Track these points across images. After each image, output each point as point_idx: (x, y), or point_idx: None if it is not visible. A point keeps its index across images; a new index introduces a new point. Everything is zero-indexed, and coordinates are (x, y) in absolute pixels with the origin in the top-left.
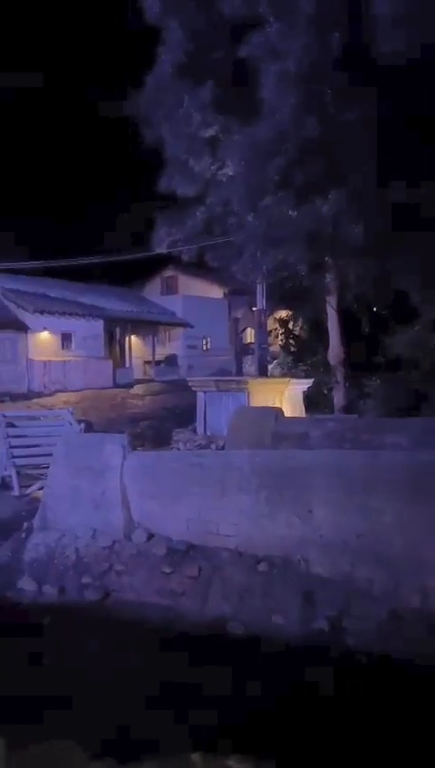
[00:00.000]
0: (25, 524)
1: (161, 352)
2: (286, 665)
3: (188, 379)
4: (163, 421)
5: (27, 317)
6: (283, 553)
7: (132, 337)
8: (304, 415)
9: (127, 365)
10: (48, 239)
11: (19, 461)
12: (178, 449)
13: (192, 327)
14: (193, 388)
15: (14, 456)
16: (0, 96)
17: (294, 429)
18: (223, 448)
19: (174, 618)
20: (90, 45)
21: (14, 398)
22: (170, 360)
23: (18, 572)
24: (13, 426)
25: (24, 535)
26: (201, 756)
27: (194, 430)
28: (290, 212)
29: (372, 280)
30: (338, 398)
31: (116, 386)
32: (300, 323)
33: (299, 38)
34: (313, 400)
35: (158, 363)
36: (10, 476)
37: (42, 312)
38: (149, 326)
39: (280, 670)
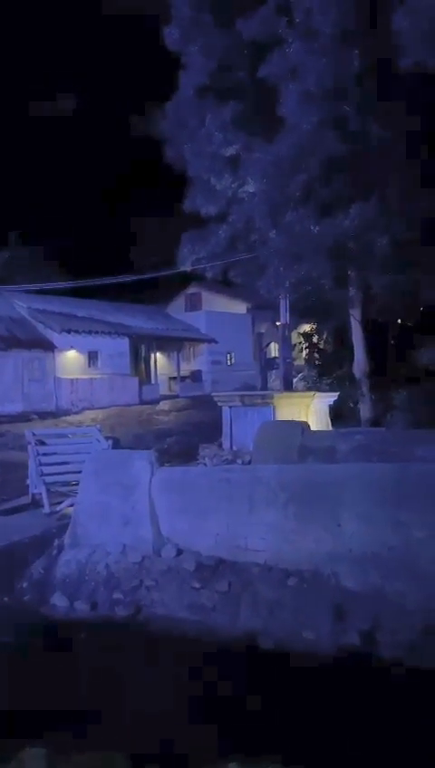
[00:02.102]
0: (56, 541)
1: (186, 368)
2: (319, 679)
3: (213, 394)
4: (189, 436)
5: (54, 336)
6: (313, 568)
7: (157, 354)
8: (330, 428)
9: (152, 381)
10: (75, 258)
11: (49, 478)
12: (205, 464)
13: (216, 342)
14: (218, 403)
15: (43, 474)
16: (33, 114)
17: (321, 443)
18: (249, 463)
19: (205, 632)
20: (116, 67)
21: (43, 416)
22: (195, 376)
23: (51, 588)
24: (42, 443)
25: (55, 552)
26: (239, 765)
27: (220, 445)
28: (312, 227)
29: (398, 292)
30: (364, 410)
31: (142, 402)
32: (324, 337)
33: (319, 57)
34: (339, 414)
35: (183, 379)
36: (40, 494)
37: (68, 332)
38: (173, 342)
39: (312, 684)
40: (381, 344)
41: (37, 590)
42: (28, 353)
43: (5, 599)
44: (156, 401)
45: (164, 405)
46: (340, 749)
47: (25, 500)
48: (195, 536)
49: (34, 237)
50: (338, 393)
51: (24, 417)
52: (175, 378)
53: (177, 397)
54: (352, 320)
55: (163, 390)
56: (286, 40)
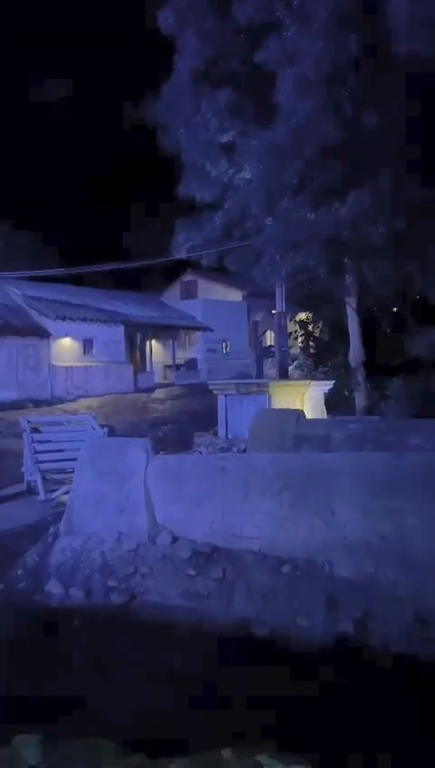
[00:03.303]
0: (51, 529)
1: (181, 356)
2: (312, 666)
3: (208, 382)
4: (184, 425)
5: (49, 324)
6: (306, 556)
7: (153, 342)
8: (325, 417)
9: (148, 369)
10: (69, 245)
11: (44, 466)
12: (200, 453)
13: (212, 331)
14: (214, 392)
15: (39, 461)
16: (28, 100)
17: (316, 431)
18: (245, 451)
19: (199, 619)
20: (109, 52)
21: (38, 403)
22: (190, 364)
23: (45, 576)
24: (37, 431)
25: (50, 539)
26: (232, 752)
27: (215, 433)
28: (308, 215)
29: (393, 281)
30: (359, 399)
31: (137, 390)
32: (320, 325)
33: (315, 41)
34: (333, 402)
35: (178, 367)
36: (36, 481)
37: (63, 319)
38: (168, 331)
39: (305, 671)
40: (376, 333)
41: (32, 578)
42: (23, 341)
43: (0, 586)
44: (151, 389)
45: (159, 393)
46: (333, 735)
47: (20, 487)
48: (190, 524)
49: (30, 224)
50: (333, 382)
51: (18, 405)
52: (170, 366)
53: (172, 385)
54: (347, 308)
55: (158, 379)
56: (283, 24)
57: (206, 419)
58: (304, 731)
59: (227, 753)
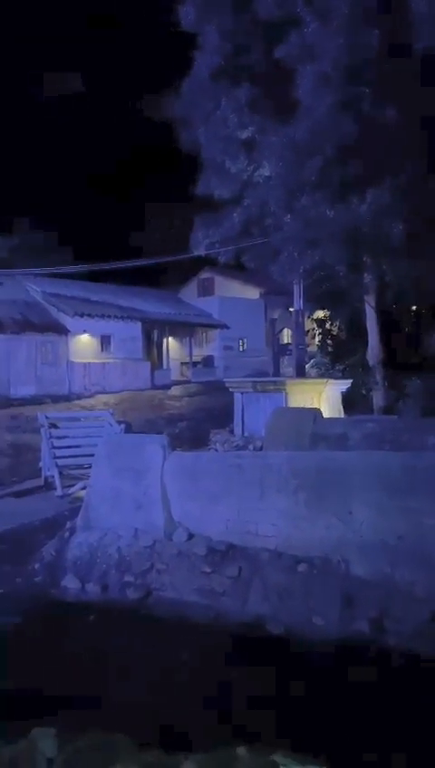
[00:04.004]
0: (68, 524)
1: (198, 354)
2: (327, 664)
3: (225, 379)
4: (200, 422)
5: (68, 320)
6: (322, 554)
7: (169, 339)
8: (342, 416)
9: (164, 367)
10: (86, 243)
11: (61, 461)
12: (216, 450)
13: (228, 328)
14: (230, 389)
15: (56, 457)
16: (43, 96)
17: (333, 430)
18: (261, 449)
19: (215, 616)
20: (129, 49)
21: (56, 399)
22: (207, 362)
23: (62, 570)
24: (55, 427)
25: (67, 534)
26: (247, 750)
27: (231, 431)
28: (327, 212)
29: (412, 279)
30: (377, 398)
31: (154, 387)
32: (338, 323)
33: (336, 37)
34: (351, 401)
35: (195, 364)
36: (53, 476)
37: (82, 315)
38: (185, 328)
39: (321, 670)
40: (394, 331)
41: (49, 572)
42: (41, 337)
43: (17, 580)
44: (168, 386)
45: (176, 390)
46: (347, 734)
47: (38, 482)
48: (206, 521)
49: (46, 223)
50: (351, 380)
51: (36, 401)
52: (187, 363)
53: (188, 382)
54: (366, 306)
55: (175, 376)
56: (303, 20)
57: (222, 417)
58: (319, 730)
59: (242, 751)
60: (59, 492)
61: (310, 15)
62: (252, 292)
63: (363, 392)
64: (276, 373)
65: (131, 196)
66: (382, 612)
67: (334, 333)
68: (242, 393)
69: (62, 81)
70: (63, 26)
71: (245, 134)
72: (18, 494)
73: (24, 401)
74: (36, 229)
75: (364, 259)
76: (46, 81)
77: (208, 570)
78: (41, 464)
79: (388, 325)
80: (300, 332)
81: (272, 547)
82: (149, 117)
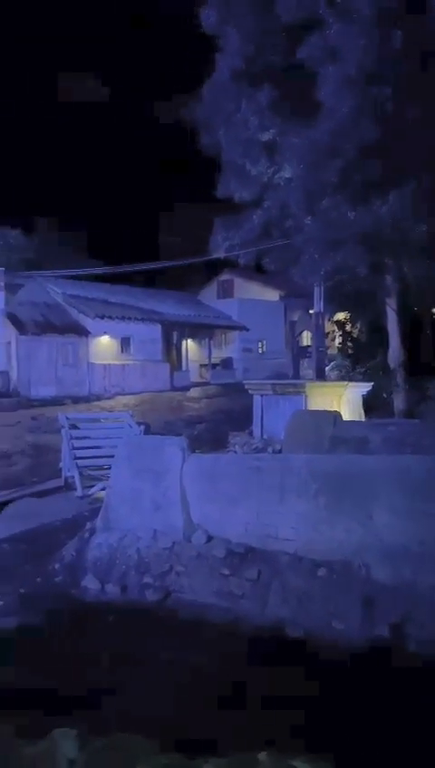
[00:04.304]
0: (88, 524)
1: (217, 355)
2: (347, 669)
3: (244, 381)
4: (219, 424)
5: (88, 322)
6: (343, 559)
7: (189, 340)
8: (363, 419)
9: (183, 368)
10: (106, 245)
11: (82, 462)
12: (235, 452)
13: (248, 330)
14: (250, 391)
15: (77, 458)
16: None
17: (354, 433)
18: (280, 452)
19: (234, 619)
20: (149, 54)
21: (76, 400)
22: (226, 364)
23: (82, 571)
24: (75, 428)
25: (87, 535)
26: (268, 756)
27: (250, 433)
28: (349, 213)
29: (434, 281)
30: (398, 401)
31: (173, 389)
32: (358, 326)
33: (359, 38)
34: (372, 404)
35: (214, 366)
36: (73, 477)
37: (102, 317)
38: (205, 329)
39: (341, 674)
40: (416, 334)
41: (69, 572)
42: (62, 338)
43: (38, 579)
44: (187, 388)
45: (195, 392)
46: (364, 739)
47: (58, 483)
48: (225, 523)
49: (67, 224)
50: (372, 383)
51: (57, 402)
52: (206, 365)
53: (208, 384)
54: (387, 309)
55: (194, 377)
56: (326, 21)
57: (241, 419)
58: (337, 733)
59: (263, 756)
60: (79, 492)
61: (332, 17)
62: (272, 294)
63: (384, 395)
64: (296, 375)
65: (155, 199)
66: (404, 618)
67: (355, 336)
68: (261, 395)
69: (85, 84)
70: (89, 29)
71: (265, 136)
72: (39, 495)
73: (45, 402)
74: (59, 230)
75: (386, 261)
76: (68, 83)
77: (227, 572)
78: (61, 464)
79: (409, 327)
80: (320, 335)
81: (291, 550)
82: (170, 120)
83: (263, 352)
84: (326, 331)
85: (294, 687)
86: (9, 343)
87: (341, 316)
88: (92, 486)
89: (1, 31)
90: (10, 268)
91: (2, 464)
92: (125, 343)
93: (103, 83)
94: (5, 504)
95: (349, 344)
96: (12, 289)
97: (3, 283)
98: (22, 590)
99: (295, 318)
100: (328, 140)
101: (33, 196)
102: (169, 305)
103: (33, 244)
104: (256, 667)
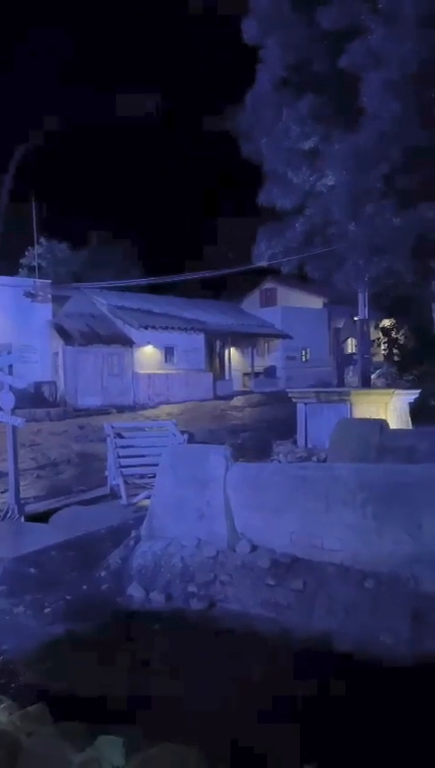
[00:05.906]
0: (133, 532)
1: (260, 364)
2: (395, 684)
3: (288, 390)
4: (263, 433)
5: (133, 332)
6: (391, 570)
7: (232, 349)
8: (410, 427)
9: (226, 377)
10: (152, 256)
11: (126, 470)
12: (279, 461)
13: (291, 338)
14: (293, 400)
15: (121, 466)
16: (114, 115)
17: (401, 442)
18: (325, 461)
19: (280, 630)
20: (192, 66)
21: (121, 409)
22: (269, 372)
23: (127, 579)
24: (120, 436)
25: (132, 543)
26: None
27: (294, 442)
28: (394, 219)
29: None
30: None
31: (216, 398)
32: (404, 332)
33: (402, 43)
34: (419, 412)
35: (257, 375)
36: (118, 485)
37: (146, 328)
38: (247, 338)
39: (388, 689)
40: None
41: (114, 580)
42: (108, 349)
43: (84, 587)
44: (230, 397)
45: (238, 401)
46: (412, 757)
47: (104, 491)
48: (269, 533)
49: (117, 235)
50: (419, 391)
51: (103, 411)
52: (249, 373)
53: (251, 393)
54: (434, 314)
55: (237, 386)
56: (368, 27)
57: (284, 428)
58: (383, 751)
59: None
60: (124, 500)
61: (375, 23)
62: (315, 302)
63: (432, 403)
64: (340, 383)
65: (202, 210)
66: None
67: (401, 342)
68: (305, 404)
69: (138, 99)
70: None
71: (307, 144)
72: (85, 503)
73: (91, 411)
74: (111, 243)
75: (432, 265)
76: (125, 99)
77: (272, 582)
78: (107, 473)
79: None
80: (365, 342)
81: (338, 561)
82: (215, 132)
83: (306, 360)
84: (372, 338)
85: (342, 702)
86: (56, 354)
87: (386, 323)
88: (137, 495)
89: (57, 49)
90: (57, 281)
91: (50, 472)
92: (169, 353)
93: (149, 97)
94: (53, 511)
95: (395, 351)
96: (59, 301)
97: (50, 296)
98: (68, 597)
99: (340, 325)
100: (372, 145)
101: (85, 209)
102: (212, 314)
103: (80, 257)
104: (304, 680)
